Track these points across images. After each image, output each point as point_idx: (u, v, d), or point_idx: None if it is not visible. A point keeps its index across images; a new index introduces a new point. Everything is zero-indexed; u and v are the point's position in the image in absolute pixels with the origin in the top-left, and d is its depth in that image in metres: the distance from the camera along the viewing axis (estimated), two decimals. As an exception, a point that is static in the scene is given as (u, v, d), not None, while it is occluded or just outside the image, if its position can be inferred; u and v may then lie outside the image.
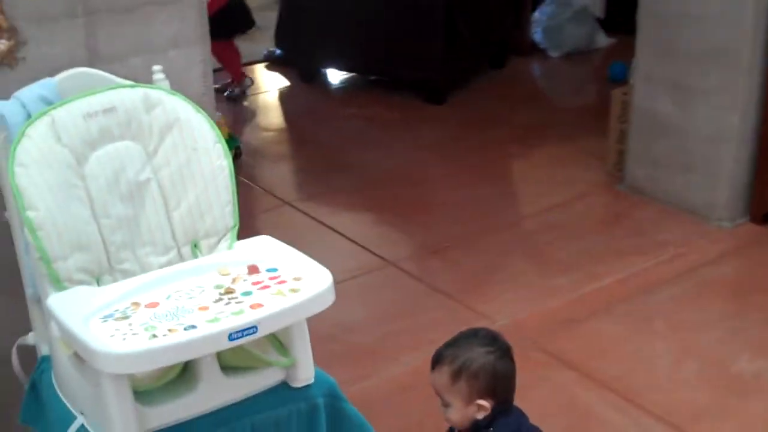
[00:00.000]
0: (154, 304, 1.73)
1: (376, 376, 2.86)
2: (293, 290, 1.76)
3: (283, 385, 1.87)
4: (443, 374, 1.99)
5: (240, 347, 1.80)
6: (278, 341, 1.88)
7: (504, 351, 2.02)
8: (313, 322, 3.07)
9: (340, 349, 3.02)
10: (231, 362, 1.82)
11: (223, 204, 1.98)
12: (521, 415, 2.08)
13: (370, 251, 3.68)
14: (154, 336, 1.61)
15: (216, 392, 1.79)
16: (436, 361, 2.03)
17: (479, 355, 1.98)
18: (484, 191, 4.19)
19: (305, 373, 1.87)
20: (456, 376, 1.97)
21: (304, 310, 1.73)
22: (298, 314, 1.74)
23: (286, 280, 1.79)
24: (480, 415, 1.99)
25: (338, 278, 3.40)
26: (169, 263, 1.93)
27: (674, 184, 3.86)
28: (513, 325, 3.09)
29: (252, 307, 1.70)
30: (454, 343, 2.03)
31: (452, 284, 3.40)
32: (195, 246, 1.97)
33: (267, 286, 1.78)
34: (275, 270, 1.83)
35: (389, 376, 2.86)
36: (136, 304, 1.73)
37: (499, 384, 1.99)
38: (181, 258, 1.96)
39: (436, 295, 3.34)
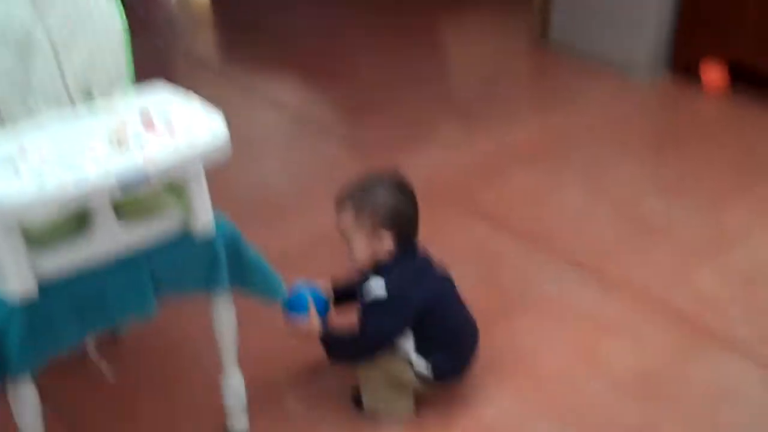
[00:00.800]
0: (43, 152, 1.70)
1: (292, 231, 2.89)
2: (187, 138, 1.73)
3: (183, 232, 1.88)
4: (347, 210, 2.08)
5: (136, 196, 1.80)
6: (176, 189, 1.88)
7: (406, 188, 2.10)
8: (231, 179, 3.12)
9: (256, 205, 3.04)
10: (127, 209, 1.81)
11: (116, 53, 1.94)
12: (426, 262, 2.13)
13: (289, 110, 3.67)
14: (43, 183, 1.59)
15: (113, 240, 1.78)
16: (341, 200, 2.10)
17: (382, 191, 2.07)
18: (407, 52, 4.18)
19: (204, 219, 1.86)
20: (359, 210, 2.06)
21: (196, 157, 1.72)
22: (190, 162, 1.72)
23: (180, 128, 1.77)
24: (383, 248, 2.05)
25: (256, 135, 3.47)
26: (62, 113, 1.90)
27: (597, 41, 3.87)
28: (430, 177, 3.11)
29: (144, 154, 1.67)
30: (358, 184, 2.11)
31: (372, 142, 3.41)
32: (89, 95, 1.94)
33: (160, 134, 1.75)
34: (170, 117, 1.80)
35: (304, 231, 2.89)
36: (26, 151, 1.71)
37: (400, 219, 2.06)
38: (75, 108, 1.93)
39: (354, 153, 3.36)
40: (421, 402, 2.16)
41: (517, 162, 3.22)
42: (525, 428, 2.11)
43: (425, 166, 3.19)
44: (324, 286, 2.21)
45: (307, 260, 2.71)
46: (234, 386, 2.07)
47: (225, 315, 1.99)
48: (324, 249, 2.75)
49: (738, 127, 3.41)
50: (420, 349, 2.07)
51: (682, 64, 3.74)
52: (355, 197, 2.08)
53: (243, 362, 2.07)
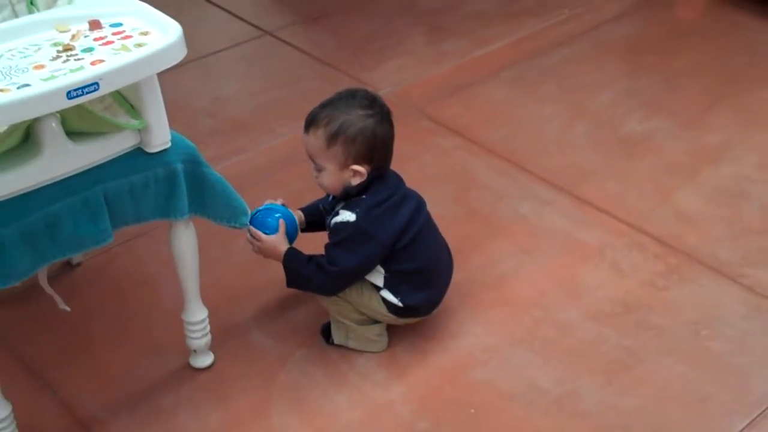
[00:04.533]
0: (-15, 64, 1.67)
1: (252, 148, 2.86)
2: (139, 45, 1.70)
3: (138, 151, 1.84)
4: (318, 137, 1.99)
5: (86, 111, 1.75)
6: (129, 104, 1.84)
7: (383, 114, 2.01)
8: (188, 96, 3.08)
9: (215, 123, 3.01)
10: (78, 127, 1.77)
11: (60, -45, 1.88)
12: (398, 180, 2.10)
13: (246, 21, 3.60)
14: (-14, 96, 1.56)
15: (63, 159, 1.74)
16: (311, 122, 2.01)
17: (358, 119, 1.97)
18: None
19: (160, 137, 1.83)
20: (332, 139, 1.97)
21: (150, 64, 1.67)
22: (144, 69, 1.68)
23: (131, 35, 1.73)
24: (355, 181, 2.00)
25: (213, 50, 3.43)
26: (2, 22, 1.84)
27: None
28: (398, 93, 3.09)
29: (93, 63, 1.64)
30: (330, 104, 2.01)
31: (333, 53, 3.37)
32: (31, 3, 1.89)
33: (110, 42, 1.72)
34: (120, 25, 1.77)
35: (265, 148, 2.86)
36: (-35, 64, 1.66)
37: (376, 149, 1.99)
38: (16, 16, 1.87)
39: (315, 65, 3.31)
40: (393, 333, 2.16)
41: (489, 75, 3.19)
42: (500, 359, 2.13)
43: (392, 79, 3.16)
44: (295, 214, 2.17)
45: (271, 180, 2.68)
46: (197, 322, 2.06)
47: (186, 244, 1.96)
48: (287, 169, 2.73)
49: (715, 33, 3.40)
50: (390, 284, 2.06)
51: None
52: (327, 122, 1.97)
53: (205, 295, 2.06)
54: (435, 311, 2.16)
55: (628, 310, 2.24)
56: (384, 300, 2.07)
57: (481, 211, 2.58)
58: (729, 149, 2.79)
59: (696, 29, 3.49)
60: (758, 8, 3.46)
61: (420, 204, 2.11)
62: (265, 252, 2.08)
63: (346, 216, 2.00)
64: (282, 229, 2.07)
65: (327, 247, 2.04)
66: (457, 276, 2.21)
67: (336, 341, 2.16)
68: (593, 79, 3.16)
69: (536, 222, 2.53)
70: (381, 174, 2.04)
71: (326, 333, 2.18)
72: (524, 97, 3.07)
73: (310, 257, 2.05)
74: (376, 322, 2.12)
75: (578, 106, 3.02)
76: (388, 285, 2.07)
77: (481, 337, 2.18)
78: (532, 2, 3.65)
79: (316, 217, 2.18)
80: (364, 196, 2.02)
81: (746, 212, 2.54)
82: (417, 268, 2.06)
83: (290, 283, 2.09)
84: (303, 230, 2.18)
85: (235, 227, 2.01)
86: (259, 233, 2.07)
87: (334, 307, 2.11)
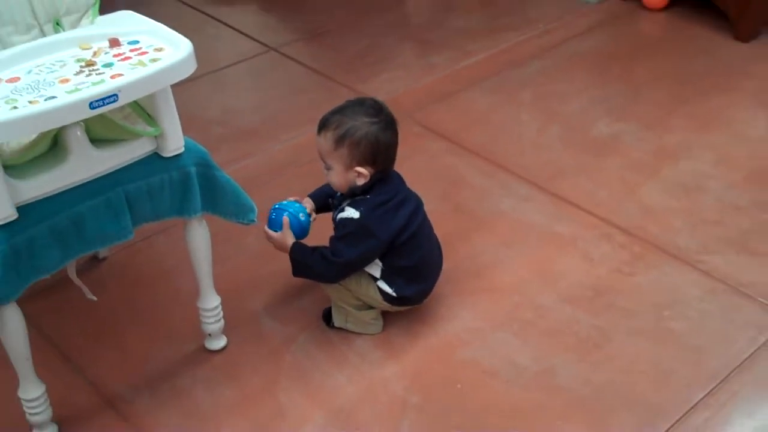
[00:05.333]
0: (14, 79, 1.66)
1: (259, 154, 2.85)
2: (154, 60, 1.70)
3: (154, 156, 1.83)
4: (327, 139, 1.99)
5: (108, 119, 1.75)
6: (146, 114, 1.83)
7: (388, 122, 2.00)
8: (200, 107, 3.07)
9: (226, 131, 2.99)
10: (100, 135, 1.77)
11: (83, -20, 1.88)
12: (399, 183, 2.09)
13: (253, 38, 3.59)
14: (15, 108, 1.55)
15: (86, 164, 1.74)
16: (322, 125, 2.01)
17: (363, 124, 1.96)
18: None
19: (174, 143, 1.83)
20: (339, 141, 1.97)
21: (164, 77, 1.67)
22: (158, 82, 1.68)
23: (147, 51, 1.73)
24: (359, 182, 2.00)
25: (223, 65, 3.41)
26: (31, 40, 1.84)
27: (545, -36, 3.81)
28: (390, 101, 2.97)
29: (113, 77, 1.64)
30: (340, 110, 2.01)
31: (332, 66, 3.35)
32: (57, 24, 1.88)
33: (128, 58, 1.72)
34: (137, 42, 1.77)
35: (271, 153, 2.85)
36: (-3, 79, 1.66)
37: (379, 154, 1.99)
38: (44, 36, 1.86)
39: (315, 77, 3.29)
40: (387, 317, 2.16)
41: (472, 85, 3.17)
42: (484, 339, 2.12)
43: (385, 89, 3.15)
44: (306, 205, 2.16)
45: (275, 182, 2.67)
46: (211, 308, 2.05)
47: (200, 239, 1.95)
48: (291, 171, 2.72)
49: (676, 45, 3.39)
50: (386, 276, 2.06)
51: (627, -13, 3.70)
52: (336, 126, 1.97)
53: (218, 286, 2.05)
54: (426, 300, 2.16)
55: (598, 294, 2.23)
56: (380, 290, 2.06)
57: (466, 207, 2.57)
58: (687, 149, 2.78)
59: (658, 42, 3.48)
60: (715, 23, 3.45)
61: (418, 205, 2.10)
62: (276, 246, 2.09)
63: (351, 213, 2.00)
64: (285, 225, 2.06)
65: (332, 239, 2.04)
66: (445, 265, 2.20)
67: (336, 324, 2.15)
68: (565, 87, 3.15)
69: (516, 216, 2.52)
70: (384, 176, 2.03)
71: (327, 317, 2.17)
72: (503, 104, 3.06)
73: (315, 248, 2.04)
74: (372, 307, 2.12)
75: (552, 111, 3.01)
76: (384, 277, 2.06)
77: (466, 320, 2.18)
78: (510, 19, 3.64)
79: (322, 204, 2.17)
80: (368, 196, 2.02)
81: (703, 205, 2.53)
82: (411, 264, 2.06)
83: (296, 272, 2.09)
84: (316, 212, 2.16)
85: (243, 223, 2.01)
86: (269, 231, 2.07)
87: (335, 293, 2.10)
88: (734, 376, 2.00)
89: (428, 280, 2.13)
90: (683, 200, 2.55)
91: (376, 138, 1.97)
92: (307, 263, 2.05)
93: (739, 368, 2.02)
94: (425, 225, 2.12)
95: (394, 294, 2.06)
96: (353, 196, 2.03)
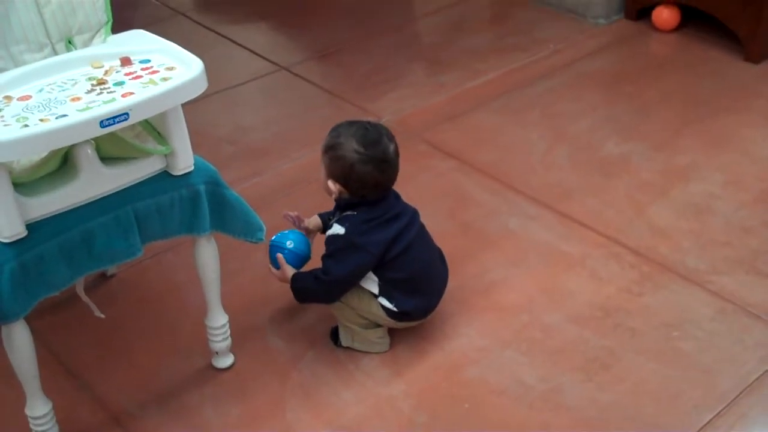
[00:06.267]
0: (26, 97, 1.68)
1: (269, 172, 2.86)
2: (165, 79, 1.71)
3: (164, 174, 1.85)
4: (324, 141, 2.04)
5: (118, 138, 1.76)
6: (156, 132, 1.84)
7: (372, 159, 1.97)
8: (211, 125, 3.08)
9: (236, 149, 3.00)
10: (111, 153, 1.78)
11: (95, -1, 1.89)
12: (393, 200, 2.06)
13: (264, 57, 3.60)
14: (26, 126, 1.57)
15: (96, 181, 1.75)
16: (332, 128, 2.05)
17: (347, 148, 1.97)
18: (375, 2, 4.10)
19: (184, 161, 1.84)
20: (325, 150, 2.01)
21: (174, 96, 1.69)
22: (169, 101, 1.69)
23: (158, 70, 1.75)
24: (334, 194, 2.03)
25: (234, 83, 3.42)
26: (44, 59, 1.85)
27: (554, -16, 3.83)
28: (398, 120, 3.09)
29: (124, 95, 1.66)
30: (348, 125, 2.03)
31: (341, 85, 3.36)
32: (69, 42, 1.90)
33: (139, 76, 1.73)
34: (148, 61, 1.78)
35: (281, 171, 2.86)
36: (8, 97, 1.68)
37: (351, 180, 1.99)
38: (56, 54, 1.88)
39: (325, 96, 3.31)
40: (393, 335, 2.16)
41: (481, 104, 3.18)
42: (491, 358, 2.12)
43: (394, 108, 3.16)
44: (311, 223, 2.21)
45: (285, 200, 2.67)
46: (219, 326, 2.06)
47: (208, 257, 1.96)
48: (301, 190, 2.73)
49: (686, 66, 3.39)
50: (384, 291, 2.06)
51: (636, 6, 3.70)
52: (332, 135, 2.01)
53: (226, 303, 2.06)
54: (430, 316, 2.16)
55: (607, 314, 2.23)
56: (382, 306, 2.06)
57: (474, 225, 2.57)
58: (696, 169, 2.78)
59: (667, 62, 3.48)
60: (725, 43, 3.45)
61: (413, 218, 2.09)
62: (281, 281, 2.13)
63: (337, 229, 2.01)
64: (281, 262, 2.11)
65: (322, 258, 2.06)
66: (451, 284, 2.20)
67: (343, 344, 2.15)
68: (574, 107, 3.15)
69: (523, 235, 2.52)
70: (372, 201, 2.02)
71: (334, 336, 2.17)
72: (512, 124, 3.07)
73: (311, 272, 2.07)
74: (379, 325, 2.12)
75: (560, 131, 3.01)
76: (382, 292, 2.06)
77: (473, 338, 2.18)
78: (519, 39, 3.65)
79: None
80: (355, 212, 2.02)
81: (712, 225, 2.53)
82: (407, 277, 2.05)
83: (298, 299, 2.13)
84: (323, 232, 2.17)
85: (252, 242, 2.01)
86: (272, 269, 2.14)
87: (339, 312, 2.11)
88: (743, 398, 1.99)
89: (428, 293, 2.12)
90: (692, 220, 2.55)
91: (351, 166, 1.97)
92: (306, 287, 2.07)
93: (748, 390, 2.01)
94: (422, 237, 2.11)
95: (395, 309, 2.06)
96: (343, 210, 2.05)
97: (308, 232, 2.21)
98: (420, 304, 2.10)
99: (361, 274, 2.04)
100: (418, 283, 2.08)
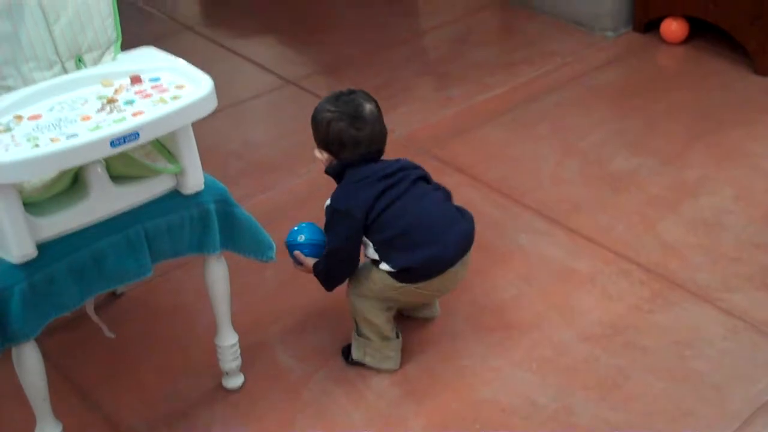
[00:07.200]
0: (36, 116, 1.67)
1: (278, 187, 2.85)
2: (175, 97, 1.71)
3: (174, 193, 1.84)
4: None
5: (128, 157, 1.76)
6: (167, 150, 1.84)
7: (344, 114, 2.00)
8: (219, 141, 3.08)
9: (244, 164, 3.00)
10: (121, 172, 1.78)
11: (104, 17, 1.89)
12: (384, 163, 2.04)
13: (272, 72, 3.60)
14: (37, 146, 1.57)
15: (107, 201, 1.75)
16: None
17: (322, 110, 2.03)
18: (380, 9, 4.10)
19: (195, 180, 1.84)
20: (311, 121, 2.05)
21: (184, 115, 1.68)
22: (179, 120, 1.69)
23: (168, 89, 1.74)
24: (324, 163, 2.05)
25: (242, 99, 3.42)
26: (53, 78, 1.85)
27: (562, -1, 3.83)
28: (408, 135, 3.08)
29: (134, 114, 1.65)
30: (329, 96, 2.07)
31: (350, 99, 3.36)
32: (79, 60, 1.89)
33: (149, 95, 1.73)
34: (158, 79, 1.78)
35: (290, 186, 2.85)
36: (19, 117, 1.67)
37: (331, 140, 2.01)
38: (66, 72, 1.87)
39: (334, 110, 3.30)
40: (404, 355, 2.14)
41: (489, 118, 3.17)
42: (502, 377, 2.10)
43: (402, 123, 3.15)
44: None
45: (293, 215, 2.65)
46: (229, 346, 2.05)
47: (219, 276, 1.96)
48: (310, 205, 2.71)
49: (694, 79, 3.38)
50: (382, 255, 2.01)
51: (644, 19, 3.69)
52: (315, 109, 2.05)
53: (236, 321, 2.05)
54: (457, 271, 2.06)
55: (617, 331, 2.22)
56: (386, 272, 2.02)
57: (483, 241, 2.55)
58: (706, 183, 2.76)
59: (675, 75, 3.48)
60: (733, 56, 3.44)
61: (405, 175, 2.03)
62: (308, 274, 2.11)
63: (327, 203, 2.03)
64: (301, 258, 2.09)
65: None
66: (461, 300, 2.20)
67: (354, 357, 2.13)
68: (583, 121, 3.14)
69: (533, 252, 2.51)
70: (353, 163, 2.01)
71: (346, 353, 2.16)
72: (521, 138, 3.06)
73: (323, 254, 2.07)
74: (393, 337, 2.10)
75: (569, 145, 3.00)
76: (381, 256, 2.02)
77: (484, 357, 2.16)
78: (527, 52, 3.64)
79: None
80: (341, 179, 2.04)
81: (723, 241, 2.52)
82: (401, 232, 1.98)
83: (325, 286, 2.09)
84: None
85: (262, 260, 2.01)
86: (298, 267, 2.12)
87: (360, 306, 2.07)
88: (756, 417, 1.97)
89: (436, 244, 2.00)
90: (702, 236, 2.53)
91: (327, 125, 2.00)
92: (322, 270, 2.06)
93: (761, 409, 1.99)
94: (415, 191, 2.03)
95: (392, 269, 2.00)
96: (337, 181, 2.05)
97: None
98: (425, 256, 1.99)
99: (355, 240, 2.01)
100: (415, 236, 1.99)
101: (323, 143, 2.03)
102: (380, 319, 2.08)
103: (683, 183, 2.78)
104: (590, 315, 2.27)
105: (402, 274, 2.01)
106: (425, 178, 2.09)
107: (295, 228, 2.13)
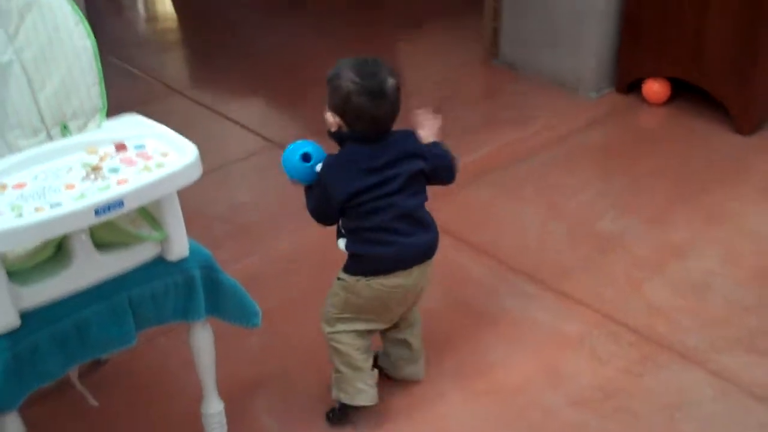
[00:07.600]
0: (21, 185, 1.66)
1: (263, 252, 2.83)
2: (159, 165, 1.70)
3: (159, 260, 1.83)
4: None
5: (113, 224, 1.75)
6: (151, 217, 1.83)
7: (368, 89, 1.94)
8: (205, 203, 3.07)
9: (230, 228, 2.98)
10: (105, 239, 1.76)
11: (89, 85, 1.89)
12: (386, 152, 2.00)
13: (257, 133, 3.61)
14: (21, 215, 1.55)
15: (91, 269, 1.73)
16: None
17: (345, 78, 1.95)
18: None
19: (179, 247, 1.82)
20: (328, 81, 2.00)
21: (169, 183, 1.67)
22: (163, 188, 1.68)
23: (152, 156, 1.74)
24: (332, 127, 2.01)
25: (228, 161, 3.41)
26: (38, 145, 1.85)
27: (544, 59, 3.86)
28: (393, 197, 3.08)
29: (119, 182, 1.64)
30: (353, 60, 1.99)
31: (335, 161, 3.36)
32: (64, 128, 1.89)
33: (134, 163, 1.72)
34: (143, 146, 1.77)
35: (275, 252, 2.83)
36: (3, 186, 1.66)
37: (348, 111, 1.96)
38: (51, 140, 1.87)
39: (319, 172, 3.30)
40: (388, 416, 2.12)
41: (475, 179, 3.19)
42: (492, 442, 2.09)
43: (387, 185, 3.15)
44: None
45: (280, 282, 2.65)
46: (215, 413, 2.02)
47: (204, 343, 1.94)
48: (296, 269, 2.70)
49: (677, 139, 3.42)
50: (345, 229, 2.03)
51: (626, 80, 3.74)
52: (334, 69, 1.99)
53: (221, 388, 2.02)
54: (402, 274, 2.04)
55: (607, 395, 2.20)
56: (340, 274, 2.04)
57: (471, 304, 2.55)
58: (693, 245, 2.77)
59: (658, 135, 3.51)
60: (714, 116, 3.48)
61: (399, 172, 2.00)
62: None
63: (319, 165, 2.01)
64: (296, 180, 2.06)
65: None
66: (449, 363, 2.18)
67: (333, 397, 2.12)
68: (567, 182, 3.16)
69: (521, 314, 2.50)
70: (361, 137, 1.98)
71: (330, 416, 2.15)
72: (506, 199, 3.07)
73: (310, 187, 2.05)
74: (366, 368, 2.08)
75: (555, 206, 3.01)
76: (344, 233, 2.03)
77: (472, 420, 2.14)
78: (511, 113, 3.67)
79: None
80: (341, 150, 2.01)
81: (711, 303, 2.52)
82: (367, 227, 1.98)
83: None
84: None
85: (247, 327, 1.99)
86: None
87: (328, 332, 2.08)
88: (748, 482, 1.96)
89: (391, 245, 2.00)
90: (690, 298, 2.53)
91: (348, 95, 1.94)
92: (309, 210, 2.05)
93: (753, 473, 1.98)
94: (401, 194, 2.01)
95: (346, 250, 2.02)
96: (340, 145, 2.03)
97: None
98: (374, 254, 2.01)
99: (326, 215, 2.01)
100: (381, 235, 1.99)
101: (338, 110, 1.97)
102: (349, 345, 2.06)
103: (669, 244, 2.78)
104: (580, 378, 2.26)
105: (353, 262, 2.02)
106: (422, 171, 2.09)
107: (294, 144, 2.07)
